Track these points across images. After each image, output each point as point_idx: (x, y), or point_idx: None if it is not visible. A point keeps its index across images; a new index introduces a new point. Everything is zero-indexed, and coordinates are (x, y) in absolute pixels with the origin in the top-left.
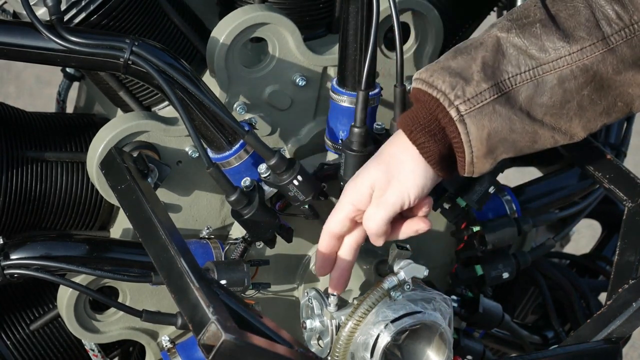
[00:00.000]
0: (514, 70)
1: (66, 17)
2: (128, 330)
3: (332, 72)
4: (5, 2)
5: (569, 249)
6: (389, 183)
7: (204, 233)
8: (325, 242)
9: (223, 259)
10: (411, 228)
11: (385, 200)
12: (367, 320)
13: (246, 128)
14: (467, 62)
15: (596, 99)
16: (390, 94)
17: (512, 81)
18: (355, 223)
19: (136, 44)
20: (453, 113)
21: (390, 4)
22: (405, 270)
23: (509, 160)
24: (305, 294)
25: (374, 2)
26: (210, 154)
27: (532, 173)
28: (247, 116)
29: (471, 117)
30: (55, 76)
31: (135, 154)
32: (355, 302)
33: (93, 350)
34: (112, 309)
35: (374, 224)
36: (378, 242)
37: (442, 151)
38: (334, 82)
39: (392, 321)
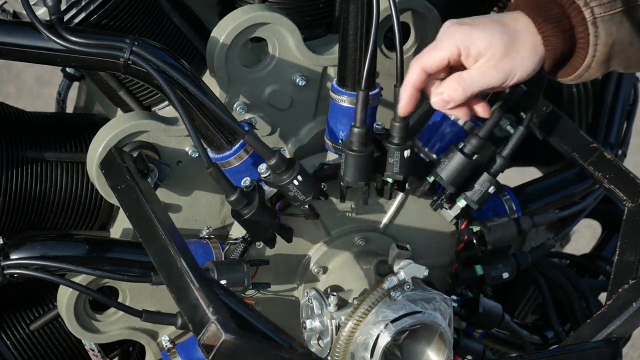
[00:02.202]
0: None
1: (66, 17)
2: (128, 330)
3: (332, 72)
4: (5, 2)
5: (569, 249)
6: (506, 55)
7: (204, 233)
8: (415, 75)
9: (223, 259)
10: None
11: (499, 69)
12: (367, 320)
13: (246, 128)
14: None
15: None
16: (390, 94)
17: None
18: (446, 71)
19: (136, 43)
20: (587, 14)
21: (390, 4)
22: (405, 270)
23: (509, 160)
24: (305, 294)
25: (374, 2)
26: (210, 154)
27: (532, 173)
28: (247, 116)
29: (604, 22)
30: (55, 76)
31: (135, 154)
32: (355, 302)
33: (93, 350)
34: (112, 309)
35: (478, 86)
36: (446, 104)
37: (563, 49)
38: (334, 82)
39: (392, 321)
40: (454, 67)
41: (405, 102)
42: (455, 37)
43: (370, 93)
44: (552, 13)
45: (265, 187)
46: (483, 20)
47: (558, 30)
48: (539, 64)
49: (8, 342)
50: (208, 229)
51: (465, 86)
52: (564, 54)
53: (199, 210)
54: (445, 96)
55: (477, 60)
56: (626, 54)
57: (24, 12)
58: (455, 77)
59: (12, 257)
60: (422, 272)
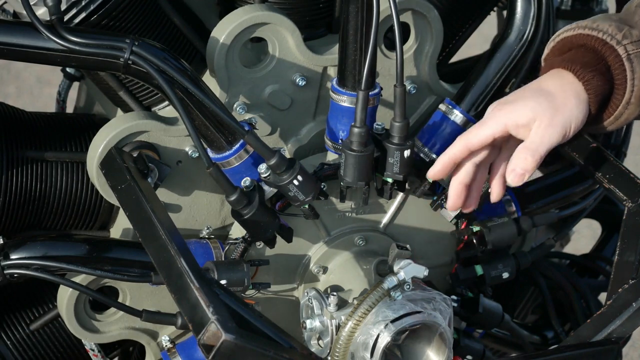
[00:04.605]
0: None
1: (66, 17)
2: (128, 330)
3: (332, 72)
4: (5, 2)
5: (569, 249)
6: (556, 111)
7: (204, 233)
8: (457, 150)
9: (223, 259)
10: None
11: (554, 125)
12: (367, 320)
13: (246, 128)
14: (627, 15)
15: None
16: (390, 94)
17: None
18: (490, 150)
19: (136, 43)
20: (621, 51)
21: (390, 4)
22: (405, 270)
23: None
24: (305, 294)
25: (374, 2)
26: (210, 154)
27: None
28: (247, 116)
29: (638, 57)
30: (55, 76)
31: (135, 154)
32: (355, 302)
33: (93, 350)
34: (112, 309)
35: (543, 147)
36: (523, 178)
37: (604, 90)
38: (334, 82)
39: (392, 321)
40: (496, 145)
41: (438, 169)
42: (499, 115)
43: (370, 93)
44: (587, 59)
45: (265, 187)
46: (521, 93)
47: (597, 73)
48: (587, 110)
49: (8, 342)
50: (208, 229)
51: (534, 153)
52: (606, 95)
53: (199, 210)
54: (519, 169)
55: (529, 127)
56: None
57: (24, 12)
58: (521, 149)
59: (12, 257)
60: (422, 272)
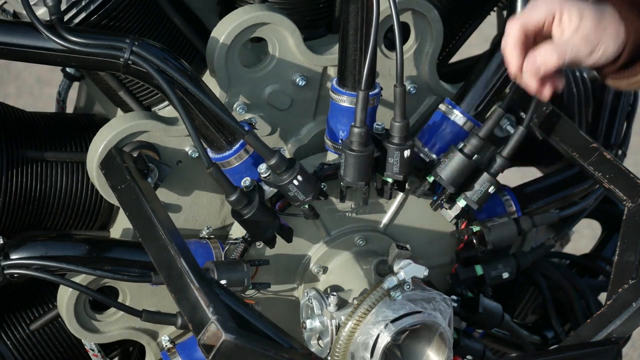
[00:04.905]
0: None
1: (66, 17)
2: (128, 330)
3: (332, 72)
4: (5, 2)
5: (569, 249)
6: (595, 29)
7: (204, 233)
8: (517, 33)
9: (223, 259)
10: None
11: (588, 40)
12: (367, 320)
13: (246, 128)
14: None
15: None
16: (390, 94)
17: None
18: (535, 37)
19: (136, 43)
20: None
21: (390, 4)
22: (405, 270)
23: (509, 160)
24: (305, 294)
25: (373, 2)
26: (210, 154)
27: (532, 173)
28: (247, 116)
29: None
30: (55, 76)
31: (135, 154)
32: (355, 302)
33: (93, 350)
34: (112, 309)
35: (570, 54)
36: (538, 70)
37: None
38: (334, 82)
39: (392, 321)
40: (538, 37)
41: (513, 62)
42: (550, 1)
43: (370, 93)
44: (635, 3)
45: (265, 187)
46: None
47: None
48: (619, 47)
49: (8, 342)
50: (208, 229)
51: (560, 54)
52: None
53: (199, 210)
54: (539, 61)
55: (565, 29)
56: None
57: (24, 12)
58: (549, 44)
59: (12, 257)
60: (422, 272)
